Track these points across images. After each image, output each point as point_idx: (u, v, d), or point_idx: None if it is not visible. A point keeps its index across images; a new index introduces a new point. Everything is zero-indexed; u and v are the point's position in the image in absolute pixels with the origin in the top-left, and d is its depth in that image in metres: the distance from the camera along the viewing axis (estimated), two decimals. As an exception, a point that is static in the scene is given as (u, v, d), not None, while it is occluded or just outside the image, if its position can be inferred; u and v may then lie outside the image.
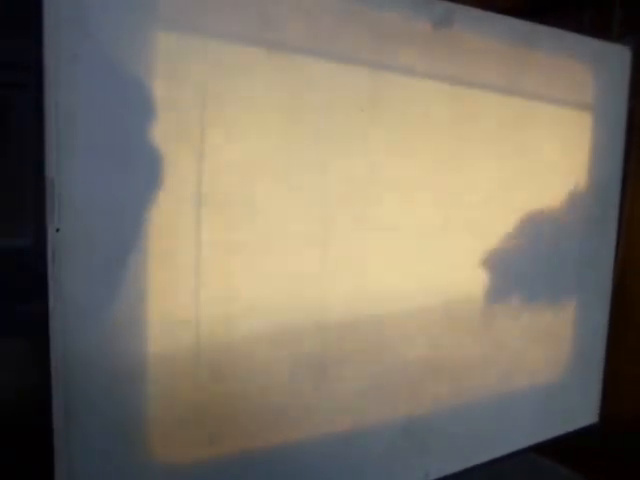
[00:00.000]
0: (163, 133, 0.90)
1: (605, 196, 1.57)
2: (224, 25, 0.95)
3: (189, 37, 0.92)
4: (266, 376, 1.06)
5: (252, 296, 1.02)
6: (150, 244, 0.91)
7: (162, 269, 0.92)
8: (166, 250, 0.92)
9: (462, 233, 1.30)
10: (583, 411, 1.62)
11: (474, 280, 1.34)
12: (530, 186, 1.41)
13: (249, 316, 1.02)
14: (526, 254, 1.43)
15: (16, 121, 1.07)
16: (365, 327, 1.17)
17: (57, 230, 0.82)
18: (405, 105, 1.17)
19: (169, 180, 0.92)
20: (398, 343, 1.23)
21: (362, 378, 1.18)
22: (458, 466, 1.35)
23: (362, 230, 1.14)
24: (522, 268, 1.43)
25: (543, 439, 1.51)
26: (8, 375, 0.98)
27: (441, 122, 1.23)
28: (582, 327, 1.58)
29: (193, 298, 0.96)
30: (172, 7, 0.90)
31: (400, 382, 1.24)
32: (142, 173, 0.90)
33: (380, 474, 1.24)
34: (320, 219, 1.09)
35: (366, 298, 1.17)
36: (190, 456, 0.99)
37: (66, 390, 0.85)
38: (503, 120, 1.33)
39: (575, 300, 1.56)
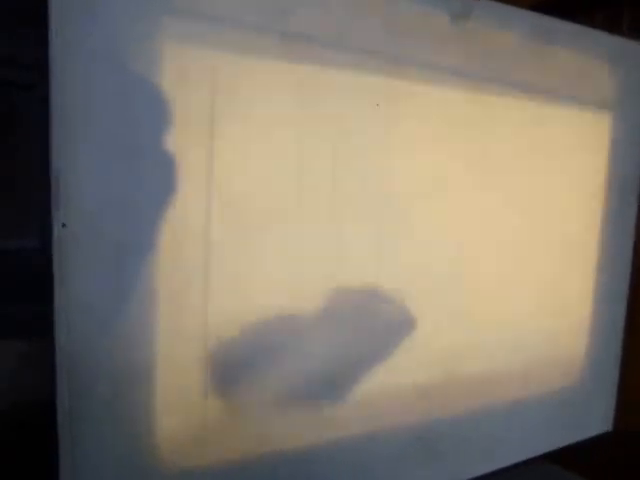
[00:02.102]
0: (172, 128, 0.88)
1: (623, 195, 1.53)
2: (235, 13, 0.92)
3: (200, 24, 0.89)
4: (277, 380, 1.04)
5: (262, 297, 1.00)
6: (158, 243, 0.88)
7: (170, 268, 0.90)
8: (175, 250, 0.90)
9: (479, 232, 1.27)
10: (597, 419, 1.59)
11: (488, 287, 1.32)
12: (548, 184, 1.37)
13: (259, 318, 1.00)
14: (543, 255, 1.40)
15: (22, 117, 1.06)
16: (378, 332, 1.15)
17: (63, 225, 0.80)
18: (421, 100, 1.15)
19: (177, 177, 0.89)
20: (412, 350, 1.20)
21: (376, 384, 1.16)
22: (471, 473, 1.33)
23: (378, 227, 1.12)
24: (537, 276, 1.40)
25: (557, 447, 1.48)
26: (14, 374, 0.97)
27: (457, 117, 1.20)
28: (597, 335, 1.55)
29: (202, 299, 0.93)
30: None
31: (414, 390, 1.22)
32: (150, 170, 0.87)
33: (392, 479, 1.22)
34: (334, 216, 1.07)
35: (381, 305, 1.15)
36: (195, 459, 0.97)
37: (71, 389, 0.83)
38: (521, 117, 1.30)
39: (591, 308, 1.53)
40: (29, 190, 0.97)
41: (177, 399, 0.93)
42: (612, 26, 1.63)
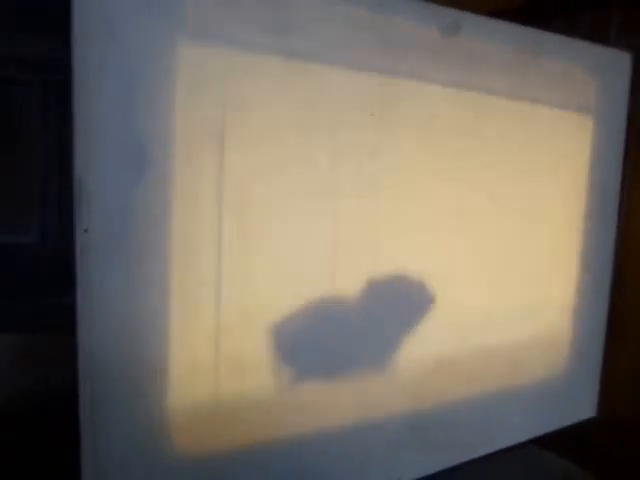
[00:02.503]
0: (186, 136, 0.94)
1: (605, 197, 1.61)
2: (243, 32, 0.99)
3: (210, 43, 0.96)
4: (277, 371, 1.11)
5: (270, 293, 1.07)
6: (172, 243, 0.95)
7: (184, 268, 0.96)
8: (188, 250, 0.96)
9: (467, 233, 1.34)
10: (582, 406, 1.66)
11: (477, 277, 1.39)
12: (532, 187, 1.45)
13: (266, 312, 1.07)
14: (527, 253, 1.47)
15: (39, 123, 1.10)
16: (373, 323, 1.22)
17: (85, 230, 0.86)
18: (413, 110, 1.22)
19: (191, 182, 0.96)
20: (403, 339, 1.27)
21: (369, 373, 1.23)
22: (461, 458, 1.40)
23: (373, 228, 1.19)
24: (523, 266, 1.47)
25: (543, 432, 1.56)
26: (37, 368, 1.02)
27: (448, 126, 1.27)
28: (581, 323, 1.62)
29: (214, 295, 1.00)
30: (194, 15, 0.94)
31: (406, 378, 1.29)
32: (164, 175, 0.94)
33: (385, 468, 1.28)
34: (332, 220, 1.13)
35: (376, 297, 1.21)
36: (209, 448, 1.03)
37: (93, 382, 0.90)
38: (508, 123, 1.37)
39: (575, 297, 1.60)
40: (52, 190, 1.02)
41: (191, 390, 1.00)
42: (599, 29, 1.68)
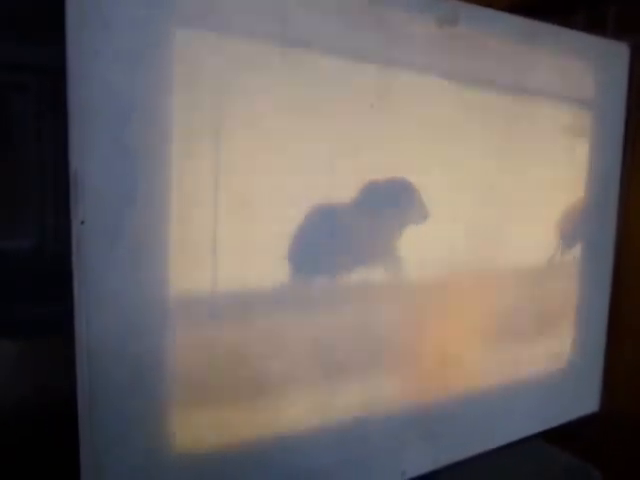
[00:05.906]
0: (182, 125, 0.93)
1: (605, 189, 1.60)
2: (239, 22, 0.97)
3: (205, 33, 0.95)
4: (279, 361, 1.09)
5: (270, 283, 1.05)
6: (170, 233, 0.93)
7: (182, 257, 0.95)
8: (185, 239, 0.95)
9: (468, 227, 1.33)
10: (584, 401, 1.66)
11: (480, 272, 1.38)
12: (531, 179, 1.44)
13: (267, 302, 1.06)
14: (526, 245, 1.46)
15: (34, 119, 1.09)
16: (376, 315, 1.21)
17: (82, 222, 0.84)
18: (412, 101, 1.20)
19: (189, 171, 0.94)
20: (408, 331, 1.26)
21: (372, 365, 1.21)
22: (465, 453, 1.39)
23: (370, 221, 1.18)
24: (523, 259, 1.46)
25: (546, 427, 1.55)
26: (33, 363, 1.00)
27: (446, 117, 1.26)
28: (583, 318, 1.61)
29: (212, 284, 0.99)
30: (189, 4, 0.93)
31: (411, 371, 1.28)
32: (161, 165, 0.92)
33: (389, 462, 1.27)
34: (328, 213, 1.12)
35: (374, 288, 1.20)
36: (207, 442, 1.02)
37: (90, 377, 0.88)
38: (506, 115, 1.36)
39: (576, 292, 1.60)
40: (46, 185, 1.00)
41: (194, 384, 0.98)
42: (595, 27, 1.68)
